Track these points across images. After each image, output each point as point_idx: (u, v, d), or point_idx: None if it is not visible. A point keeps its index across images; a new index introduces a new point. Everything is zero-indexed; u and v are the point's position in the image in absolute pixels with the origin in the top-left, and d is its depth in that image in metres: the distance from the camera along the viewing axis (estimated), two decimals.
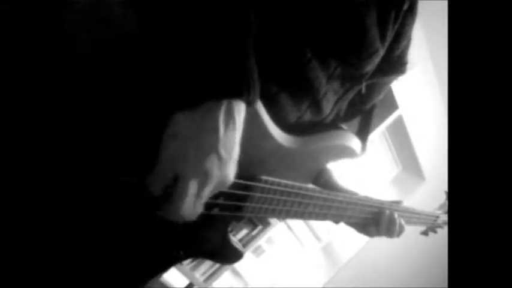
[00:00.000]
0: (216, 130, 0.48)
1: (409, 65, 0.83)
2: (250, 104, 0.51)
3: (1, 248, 0.50)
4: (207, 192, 0.52)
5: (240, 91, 0.48)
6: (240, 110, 0.50)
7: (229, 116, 0.49)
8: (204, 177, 0.50)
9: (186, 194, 0.49)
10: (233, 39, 0.48)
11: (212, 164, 0.49)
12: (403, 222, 1.03)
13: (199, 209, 0.53)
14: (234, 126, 0.49)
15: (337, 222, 0.98)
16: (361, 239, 0.98)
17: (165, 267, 0.69)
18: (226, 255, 0.77)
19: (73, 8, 0.47)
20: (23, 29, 0.45)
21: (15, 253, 0.51)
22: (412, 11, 0.75)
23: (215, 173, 0.50)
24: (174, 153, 0.48)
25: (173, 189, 0.50)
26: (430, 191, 2.96)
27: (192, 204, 0.51)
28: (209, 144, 0.48)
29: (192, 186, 0.49)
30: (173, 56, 0.48)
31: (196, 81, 0.47)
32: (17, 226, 0.50)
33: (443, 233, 1.41)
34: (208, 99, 0.47)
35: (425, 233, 1.48)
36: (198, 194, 0.51)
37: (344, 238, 2.99)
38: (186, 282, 2.18)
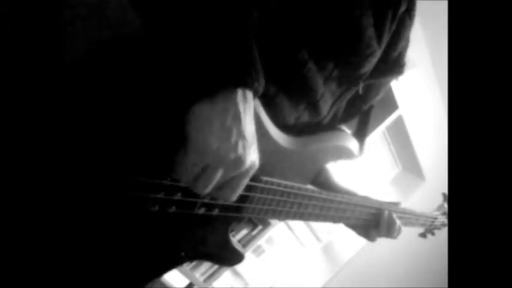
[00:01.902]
0: (238, 116, 0.50)
1: (407, 66, 0.83)
2: (256, 94, 0.53)
3: (1, 248, 0.50)
4: (239, 177, 0.53)
5: (251, 79, 0.50)
6: (251, 97, 0.52)
7: (245, 102, 0.51)
8: (235, 163, 0.51)
9: (215, 179, 0.51)
10: (240, 32, 0.50)
11: (241, 149, 0.51)
12: (399, 222, 1.03)
13: (233, 197, 0.55)
14: (250, 111, 0.52)
15: (336, 222, 0.98)
16: (361, 239, 0.99)
17: (166, 269, 0.69)
18: (227, 257, 0.77)
19: (77, 8, 0.47)
20: (26, 29, 0.45)
21: (16, 253, 0.51)
22: (410, 12, 0.75)
23: (245, 158, 0.51)
24: (203, 145, 0.49)
25: (203, 175, 0.51)
26: (430, 191, 2.96)
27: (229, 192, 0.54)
28: (236, 132, 0.50)
29: (220, 172, 0.51)
30: (183, 52, 0.50)
31: (211, 72, 0.49)
32: (18, 225, 0.50)
33: (443, 233, 1.41)
34: (224, 88, 0.49)
35: (423, 235, 1.47)
36: (234, 180, 0.53)
37: (344, 238, 2.99)
38: (186, 282, 2.18)
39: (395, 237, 1.03)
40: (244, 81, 0.50)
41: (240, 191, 0.56)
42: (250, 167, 0.54)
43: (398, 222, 1.01)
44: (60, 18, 0.47)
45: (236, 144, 0.50)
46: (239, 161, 0.51)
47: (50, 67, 0.46)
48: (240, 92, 0.50)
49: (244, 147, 0.51)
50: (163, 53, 0.50)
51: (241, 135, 0.50)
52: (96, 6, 0.48)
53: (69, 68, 0.47)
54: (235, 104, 0.49)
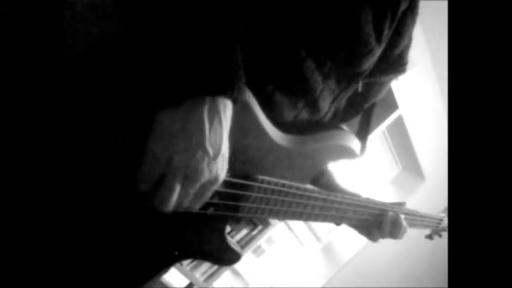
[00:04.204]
0: (201, 127, 0.48)
1: (408, 65, 0.83)
2: (236, 101, 0.51)
3: (0, 248, 0.50)
4: (195, 188, 0.52)
5: (223, 88, 0.48)
6: (226, 106, 0.49)
7: (214, 113, 0.48)
8: (192, 175, 0.49)
9: (172, 192, 0.49)
10: (216, 36, 0.48)
11: (199, 161, 0.49)
12: (405, 223, 1.02)
13: (194, 206, 0.54)
14: (220, 122, 0.49)
15: (338, 223, 0.98)
16: (362, 239, 0.99)
17: (161, 268, 0.69)
18: (224, 256, 0.77)
19: (70, 9, 0.47)
20: (26, 29, 0.46)
21: (13, 253, 0.51)
22: (412, 10, 0.74)
23: (204, 170, 0.50)
24: (160, 152, 0.48)
25: (160, 186, 0.50)
26: (430, 191, 2.96)
27: (183, 201, 0.51)
28: (195, 142, 0.48)
29: (178, 185, 0.49)
30: (157, 54, 0.48)
31: (178, 78, 0.47)
32: (12, 226, 0.50)
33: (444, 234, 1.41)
34: (190, 96, 0.47)
35: (430, 236, 1.46)
36: (186, 192, 0.51)
37: (344, 238, 2.99)
38: (186, 282, 2.18)
39: (400, 238, 1.03)
40: (213, 90, 0.47)
41: (202, 202, 0.54)
42: (211, 181, 0.52)
43: (404, 223, 1.01)
44: (60, 18, 0.47)
45: (192, 156, 0.48)
46: (194, 173, 0.49)
47: (49, 67, 0.46)
48: (208, 101, 0.47)
49: (202, 160, 0.49)
50: (145, 55, 0.50)
51: (200, 147, 0.48)
52: (94, 7, 0.48)
53: (68, 67, 0.47)
54: (199, 114, 0.47)
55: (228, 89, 0.48)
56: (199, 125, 0.47)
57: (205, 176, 0.51)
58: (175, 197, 0.50)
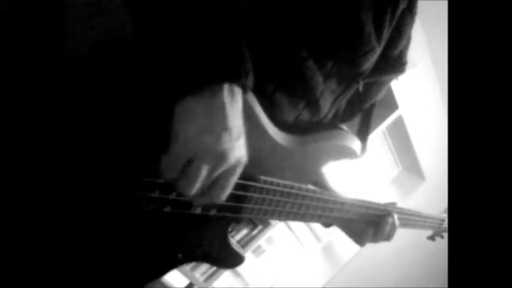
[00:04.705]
0: (223, 110, 0.50)
1: (408, 65, 0.83)
2: (245, 89, 0.53)
3: (1, 249, 0.50)
4: (226, 173, 0.53)
5: (237, 75, 0.50)
6: (239, 93, 0.52)
7: (231, 98, 0.51)
8: (220, 157, 0.50)
9: (199, 176, 0.50)
10: (227, 29, 0.50)
11: (225, 142, 0.50)
12: (397, 223, 1.01)
13: (223, 194, 0.54)
14: (236, 106, 0.51)
15: (327, 225, 0.98)
16: None
17: (163, 271, 0.69)
18: (227, 259, 0.76)
19: (71, 8, 0.47)
20: (26, 29, 0.46)
21: (14, 254, 0.51)
22: (411, 10, 0.75)
23: (230, 152, 0.51)
24: (187, 135, 0.49)
25: (187, 171, 0.50)
26: (430, 191, 2.96)
27: (212, 192, 0.53)
28: (220, 124, 0.50)
29: (205, 168, 0.50)
30: (169, 49, 0.49)
31: (198, 69, 0.49)
32: (15, 226, 0.50)
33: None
34: (210, 83, 0.49)
35: (432, 238, 1.45)
36: (221, 178, 0.52)
37: (344, 238, 2.98)
38: (186, 282, 2.18)
39: (390, 240, 1.02)
40: (230, 76, 0.50)
41: (228, 190, 0.55)
42: (237, 163, 0.53)
43: (397, 223, 1.00)
44: (60, 18, 0.47)
45: (219, 138, 0.49)
46: (223, 155, 0.50)
47: (49, 67, 0.46)
48: (226, 87, 0.50)
49: (228, 142, 0.50)
50: (154, 52, 0.50)
51: (225, 129, 0.50)
52: (94, 7, 0.48)
53: (68, 67, 0.47)
54: (221, 98, 0.49)
55: (241, 76, 0.51)
56: (221, 108, 0.50)
57: (231, 158, 0.51)
58: (201, 181, 0.51)
